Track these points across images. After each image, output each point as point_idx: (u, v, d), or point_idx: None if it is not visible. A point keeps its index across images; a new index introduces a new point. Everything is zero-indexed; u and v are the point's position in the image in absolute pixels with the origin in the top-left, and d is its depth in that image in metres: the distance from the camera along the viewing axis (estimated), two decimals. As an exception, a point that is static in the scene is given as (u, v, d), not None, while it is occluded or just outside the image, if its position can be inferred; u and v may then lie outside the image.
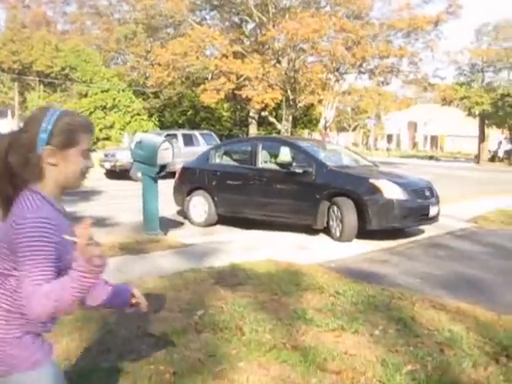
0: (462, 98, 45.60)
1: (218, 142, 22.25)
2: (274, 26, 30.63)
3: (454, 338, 4.44)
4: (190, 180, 11.22)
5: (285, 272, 6.39)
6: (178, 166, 11.72)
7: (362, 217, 8.96)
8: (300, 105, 34.68)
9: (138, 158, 8.74)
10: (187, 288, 5.53)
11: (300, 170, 9.65)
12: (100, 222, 10.87)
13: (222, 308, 4.90)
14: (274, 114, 37.19)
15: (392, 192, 9.09)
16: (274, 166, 10.87)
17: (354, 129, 79.77)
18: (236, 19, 37.79)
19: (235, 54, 31.61)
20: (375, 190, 9.08)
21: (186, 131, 26.84)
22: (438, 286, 6.43)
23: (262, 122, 41.23)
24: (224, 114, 45.68)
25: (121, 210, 12.31)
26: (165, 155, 8.70)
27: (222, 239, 9.06)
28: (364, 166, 11.18)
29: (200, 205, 10.78)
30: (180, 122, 42.10)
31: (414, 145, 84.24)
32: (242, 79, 31.03)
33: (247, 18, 35.23)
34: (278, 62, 32.42)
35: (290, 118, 34.17)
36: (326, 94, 32.57)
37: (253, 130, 40.57)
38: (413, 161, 50.92)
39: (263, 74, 30.38)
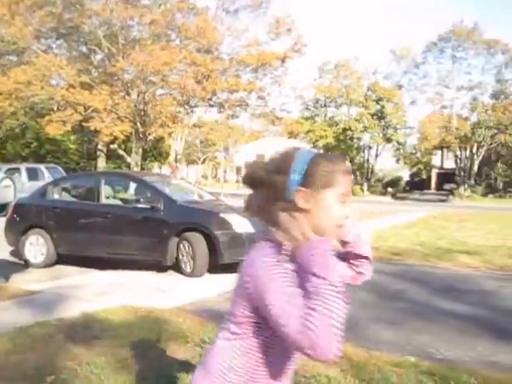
0: (307, 132, 47.58)
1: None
2: (123, 58, 29.95)
3: (332, 386, 4.21)
4: (25, 218, 10.22)
5: (144, 320, 5.83)
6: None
7: (213, 251, 8.84)
8: (150, 138, 34.15)
9: (-25, 197, 7.83)
10: (33, 348, 4.78)
11: (147, 206, 9.38)
12: None
13: (76, 371, 4.27)
14: (123, 146, 36.24)
15: (242, 226, 8.96)
16: (118, 202, 10.46)
17: (204, 161, 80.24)
18: (84, 49, 36.51)
19: (83, 85, 30.43)
20: (226, 225, 9.00)
21: (30, 165, 25.31)
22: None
23: (110, 155, 40.04)
24: (71, 146, 43.84)
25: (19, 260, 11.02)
26: (5, 193, 7.84)
27: (72, 283, 8.27)
28: (210, 201, 11.09)
29: (37, 244, 9.93)
30: (23, 154, 39.78)
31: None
32: (89, 111, 29.96)
33: (96, 48, 34.15)
34: (128, 93, 31.74)
35: (140, 150, 33.49)
36: (176, 127, 32.36)
37: (101, 163, 39.30)
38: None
39: (112, 106, 29.55)
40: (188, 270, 8.92)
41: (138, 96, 31.45)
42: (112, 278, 8.83)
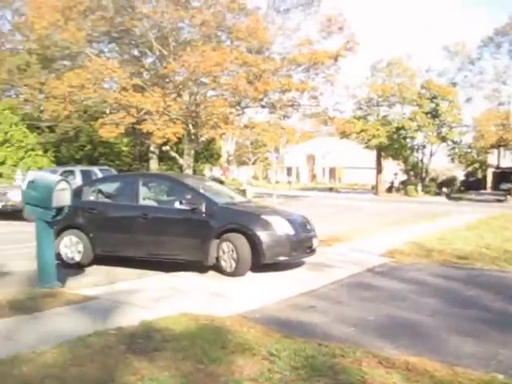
0: (359, 131, 46.84)
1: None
2: (174, 59, 29.95)
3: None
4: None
5: (207, 330, 5.51)
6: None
7: (254, 251, 9.11)
8: (202, 139, 34.11)
9: (31, 201, 7.63)
10: (93, 360, 4.52)
11: (188, 208, 9.54)
12: (-14, 272, 9.61)
13: (139, 387, 3.98)
14: (175, 148, 36.30)
15: (283, 227, 9.48)
16: (156, 203, 10.59)
17: (254, 162, 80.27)
18: (135, 52, 36.79)
19: (135, 87, 30.56)
20: (268, 226, 9.35)
21: (84, 167, 25.51)
22: (375, 335, 5.84)
23: (163, 157, 40.24)
24: (124, 148, 44.23)
25: (13, 257, 11.07)
26: (62, 196, 7.65)
27: (127, 287, 8.05)
28: (247, 202, 11.52)
29: (73, 244, 10.18)
30: (77, 157, 40.24)
31: (313, 177, 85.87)
32: (142, 113, 30.04)
33: (147, 51, 34.32)
34: (179, 95, 31.76)
35: (192, 152, 33.49)
36: (227, 128, 32.19)
37: (154, 165, 39.53)
38: (314, 193, 51.66)
39: (164, 108, 29.52)
40: (229, 269, 9.19)
41: (190, 97, 31.43)
42: (166, 281, 8.73)
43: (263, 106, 34.79)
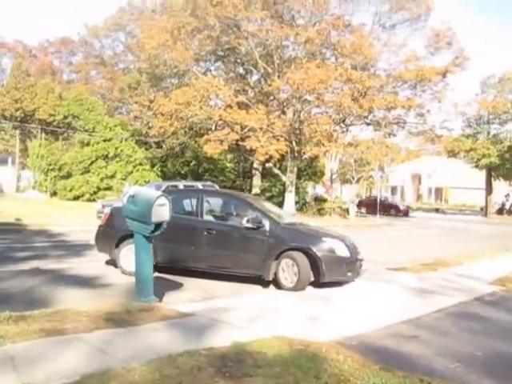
0: (468, 150, 45.18)
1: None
2: (279, 77, 30.10)
3: None
4: (121, 226, 9.70)
5: (300, 356, 5.23)
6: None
7: (314, 270, 9.79)
8: (305, 156, 33.97)
9: (131, 215, 7.71)
10: (180, 382, 4.32)
11: (253, 226, 10.08)
12: (89, 283, 9.86)
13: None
14: (278, 165, 36.35)
15: (341, 250, 10.10)
16: (222, 220, 11.15)
17: (358, 181, 79.07)
18: (241, 70, 37.45)
19: (239, 105, 31.00)
20: (328, 247, 10.00)
21: (187, 182, 26.03)
22: (484, 374, 5.35)
23: (266, 174, 40.46)
24: (227, 165, 44.88)
25: (114, 268, 11.32)
26: (160, 212, 7.67)
27: (223, 305, 7.91)
28: (299, 224, 11.66)
29: (133, 254, 9.94)
30: (182, 172, 41.27)
31: (419, 197, 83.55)
32: (246, 130, 30.33)
33: (252, 69, 34.80)
34: (283, 112, 31.85)
35: (295, 169, 33.40)
36: (331, 146, 31.86)
37: (257, 182, 39.82)
38: (419, 213, 50.22)
39: (268, 125, 29.67)
40: (289, 285, 9.75)
41: (294, 115, 31.44)
42: (261, 300, 8.68)
43: (368, 124, 34.31)
